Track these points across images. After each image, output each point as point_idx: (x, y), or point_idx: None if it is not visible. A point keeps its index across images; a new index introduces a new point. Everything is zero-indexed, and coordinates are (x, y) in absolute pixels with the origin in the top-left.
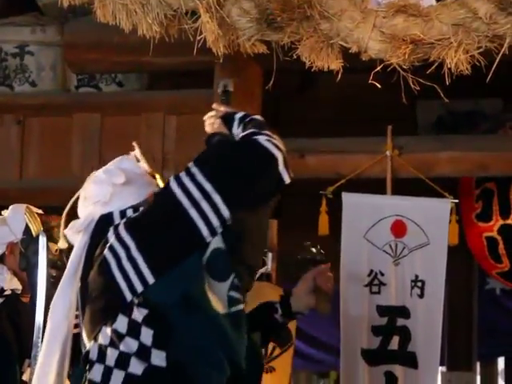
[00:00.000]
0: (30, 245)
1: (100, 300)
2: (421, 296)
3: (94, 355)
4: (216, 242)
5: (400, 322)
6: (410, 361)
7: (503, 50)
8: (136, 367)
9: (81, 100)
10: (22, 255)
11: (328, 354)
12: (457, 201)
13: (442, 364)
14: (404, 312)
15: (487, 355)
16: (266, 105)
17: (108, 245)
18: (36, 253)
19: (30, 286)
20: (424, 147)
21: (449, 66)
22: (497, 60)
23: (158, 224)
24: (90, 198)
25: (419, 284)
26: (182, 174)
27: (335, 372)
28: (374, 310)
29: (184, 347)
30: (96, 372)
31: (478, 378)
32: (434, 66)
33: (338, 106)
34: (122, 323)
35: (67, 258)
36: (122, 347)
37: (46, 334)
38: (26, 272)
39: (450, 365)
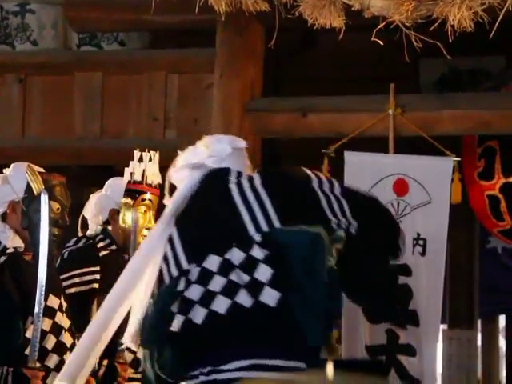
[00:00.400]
0: (31, 203)
1: (212, 230)
2: (422, 254)
3: (193, 276)
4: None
5: (401, 280)
6: (412, 319)
7: (506, 6)
8: (244, 299)
9: (82, 59)
10: (24, 214)
11: None
12: (459, 159)
13: (443, 322)
14: (405, 270)
15: (488, 313)
16: (268, 63)
17: (235, 181)
18: (38, 211)
19: (32, 244)
20: (426, 105)
21: (452, 23)
22: (500, 16)
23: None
24: (212, 151)
25: (421, 242)
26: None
27: (336, 331)
28: None
29: (299, 294)
30: (195, 291)
31: (479, 335)
32: (436, 24)
33: (340, 64)
34: (237, 255)
35: (69, 217)
36: (232, 277)
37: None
38: (28, 230)
39: (452, 323)
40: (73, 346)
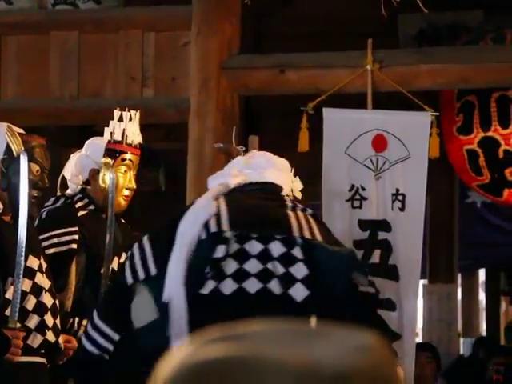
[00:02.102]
0: (10, 165)
1: (261, 218)
2: (402, 209)
3: (231, 250)
4: None
5: (381, 235)
6: (392, 274)
7: None
8: (275, 287)
9: (58, 17)
10: (3, 175)
11: None
12: (437, 114)
13: (423, 277)
14: (385, 226)
15: (468, 267)
16: (245, 21)
17: (290, 200)
18: (17, 173)
19: (11, 205)
20: (404, 60)
21: None
22: None
23: None
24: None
25: (400, 197)
26: None
27: None
28: (355, 224)
29: (325, 299)
30: (230, 265)
31: (459, 289)
32: None
33: (319, 20)
34: (278, 249)
35: (48, 179)
36: (268, 265)
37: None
38: (7, 192)
39: (432, 277)
40: (53, 306)
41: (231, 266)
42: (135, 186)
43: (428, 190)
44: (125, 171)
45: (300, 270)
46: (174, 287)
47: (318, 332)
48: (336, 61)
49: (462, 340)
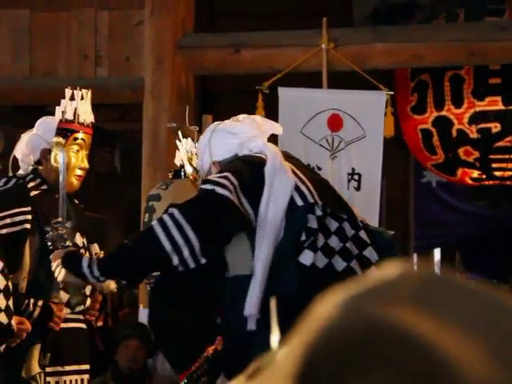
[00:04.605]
0: None
1: (333, 197)
2: (357, 189)
3: (314, 224)
4: None
5: None
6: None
7: None
8: (356, 267)
9: None
10: None
11: None
12: (392, 93)
13: None
14: None
15: (424, 247)
16: (199, 0)
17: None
18: None
19: None
20: (359, 39)
21: None
22: None
23: None
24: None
25: (356, 177)
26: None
27: None
28: None
29: None
30: (320, 239)
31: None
32: None
33: (273, 0)
34: (348, 229)
35: (3, 162)
36: (347, 244)
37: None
38: None
39: None
40: (6, 287)
41: (320, 240)
42: (87, 166)
43: (383, 170)
44: (77, 150)
45: (372, 255)
46: (266, 249)
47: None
48: (291, 40)
49: None
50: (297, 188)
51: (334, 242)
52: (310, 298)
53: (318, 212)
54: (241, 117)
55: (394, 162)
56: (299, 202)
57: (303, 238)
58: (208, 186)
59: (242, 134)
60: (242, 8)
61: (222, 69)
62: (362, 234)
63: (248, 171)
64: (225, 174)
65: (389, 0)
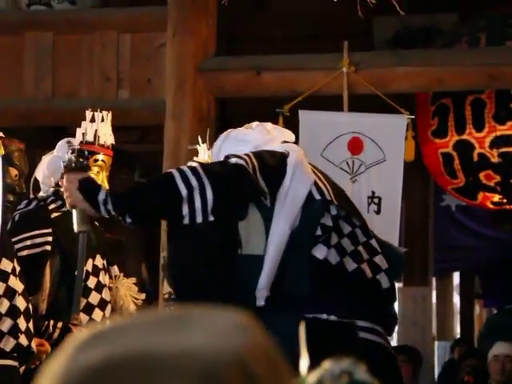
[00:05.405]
0: None
1: (346, 201)
2: (377, 212)
3: (330, 222)
4: None
5: None
6: None
7: None
8: (366, 270)
9: (32, 18)
10: None
11: None
12: (413, 117)
13: (398, 280)
14: None
15: (442, 270)
16: (222, 22)
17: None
18: None
19: None
20: (380, 63)
21: None
22: None
23: None
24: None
25: (376, 200)
26: None
27: None
28: None
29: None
30: (334, 237)
31: (434, 292)
32: None
33: (294, 22)
34: (360, 235)
35: (26, 184)
36: (359, 248)
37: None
38: None
39: (407, 280)
40: (26, 309)
41: (334, 238)
42: (108, 187)
43: (403, 193)
44: (97, 172)
45: (383, 262)
46: (281, 234)
47: (191, 317)
48: (312, 63)
49: (436, 343)
50: (316, 184)
51: (347, 243)
52: (323, 292)
53: (334, 211)
54: (254, 124)
55: (413, 185)
56: (317, 196)
57: (318, 232)
58: (229, 157)
59: (253, 141)
60: (264, 31)
61: (243, 91)
62: (373, 242)
63: (270, 157)
64: (248, 153)
65: (410, 24)
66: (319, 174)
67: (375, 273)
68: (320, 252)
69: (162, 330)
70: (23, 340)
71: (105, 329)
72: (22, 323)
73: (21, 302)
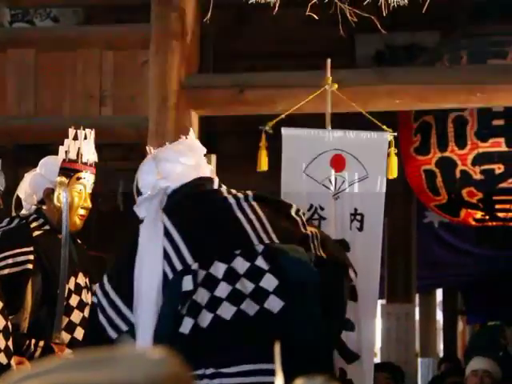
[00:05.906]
0: None
1: (216, 236)
2: (360, 229)
3: (199, 279)
4: None
5: None
6: (350, 294)
7: None
8: (248, 307)
9: (15, 35)
10: None
11: None
12: (395, 134)
13: (381, 297)
14: (343, 245)
15: (426, 287)
16: (204, 40)
17: (233, 195)
18: None
19: None
20: (362, 80)
21: None
22: None
23: None
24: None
25: (358, 217)
26: None
27: None
28: None
29: (299, 305)
30: (202, 295)
31: (417, 309)
32: None
33: (276, 40)
34: (241, 265)
35: (3, 200)
36: (237, 285)
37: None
38: None
39: (390, 297)
40: (5, 327)
41: (204, 297)
42: (91, 205)
43: (386, 210)
44: (80, 190)
45: (270, 282)
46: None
47: (112, 357)
48: (294, 81)
49: (419, 360)
50: (167, 256)
51: (222, 289)
52: (195, 359)
53: (197, 269)
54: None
55: (396, 202)
56: (170, 275)
57: (179, 307)
58: None
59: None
60: (245, 49)
61: (226, 109)
62: (259, 260)
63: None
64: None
65: (391, 42)
66: (173, 223)
67: (261, 301)
68: (185, 327)
69: (88, 367)
70: (2, 358)
71: (36, 368)
72: (1, 341)
73: (0, 321)
